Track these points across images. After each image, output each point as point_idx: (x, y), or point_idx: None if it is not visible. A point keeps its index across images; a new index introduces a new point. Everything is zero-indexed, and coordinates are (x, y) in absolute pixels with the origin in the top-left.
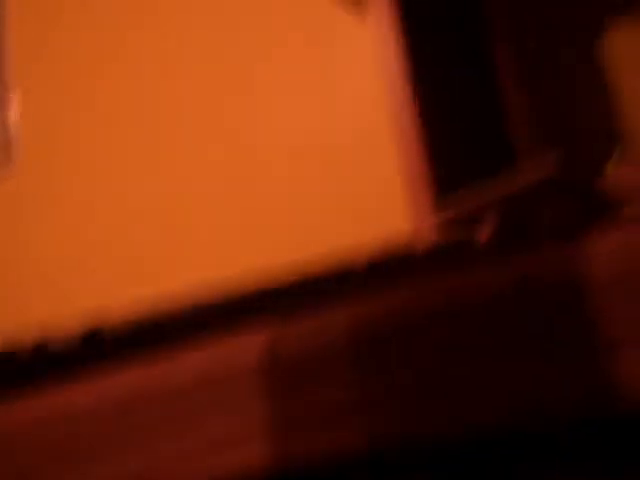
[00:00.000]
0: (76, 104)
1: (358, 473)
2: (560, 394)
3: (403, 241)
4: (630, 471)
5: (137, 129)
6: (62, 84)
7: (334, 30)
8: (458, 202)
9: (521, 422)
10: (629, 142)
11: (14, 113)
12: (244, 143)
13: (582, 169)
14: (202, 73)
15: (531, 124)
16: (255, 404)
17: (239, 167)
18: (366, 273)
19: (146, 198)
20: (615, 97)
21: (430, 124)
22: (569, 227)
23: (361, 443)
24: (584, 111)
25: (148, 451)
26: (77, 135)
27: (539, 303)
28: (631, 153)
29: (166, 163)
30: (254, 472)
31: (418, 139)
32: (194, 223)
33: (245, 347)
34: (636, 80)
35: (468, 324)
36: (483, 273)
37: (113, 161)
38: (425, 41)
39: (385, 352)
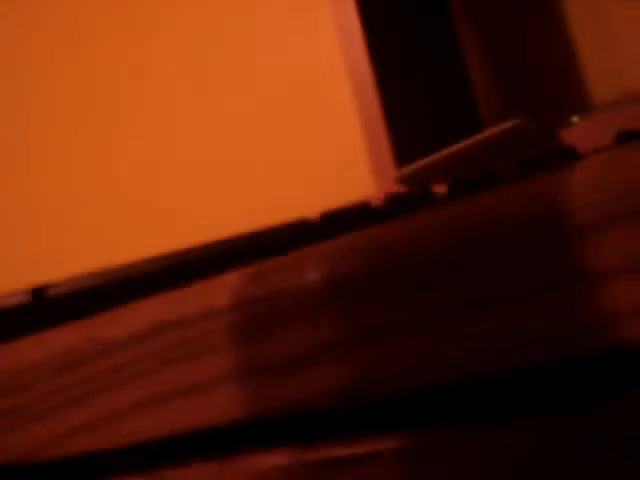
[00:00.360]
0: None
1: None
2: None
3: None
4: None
5: (120, 89)
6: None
7: None
8: (421, 161)
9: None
10: (590, 108)
11: None
12: (216, 107)
13: (544, 130)
14: (184, 29)
15: (496, 94)
16: (223, 348)
17: (211, 132)
18: (322, 222)
19: (126, 160)
20: (578, 63)
21: (391, 95)
22: (533, 170)
23: (337, 386)
24: (549, 79)
25: (104, 402)
26: (56, 94)
27: (514, 241)
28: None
29: (146, 123)
30: (221, 420)
31: (380, 110)
32: (173, 184)
33: (211, 290)
34: (598, 45)
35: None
36: (448, 214)
37: (92, 119)
38: (387, 8)
39: (354, 291)
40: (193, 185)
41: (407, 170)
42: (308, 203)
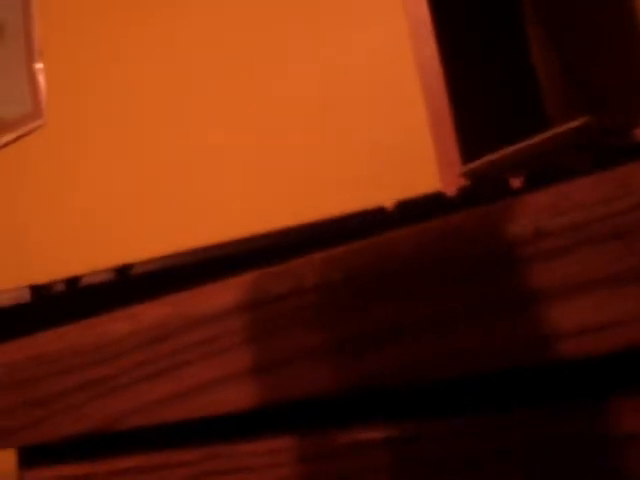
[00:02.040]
0: (101, 67)
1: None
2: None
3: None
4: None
5: (160, 88)
6: (87, 49)
7: None
8: (487, 157)
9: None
10: None
11: (41, 75)
12: (263, 98)
13: (613, 129)
14: (221, 26)
15: (563, 92)
16: (309, 324)
17: (262, 121)
18: (397, 211)
19: (170, 152)
20: None
21: (459, 90)
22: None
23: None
24: (617, 77)
25: (189, 374)
26: (103, 95)
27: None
28: None
29: (189, 119)
30: (238, 410)
31: (447, 105)
32: (217, 178)
33: (298, 269)
34: None
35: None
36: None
37: (138, 116)
38: (456, 4)
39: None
40: (260, 175)
41: (473, 165)
42: (372, 197)
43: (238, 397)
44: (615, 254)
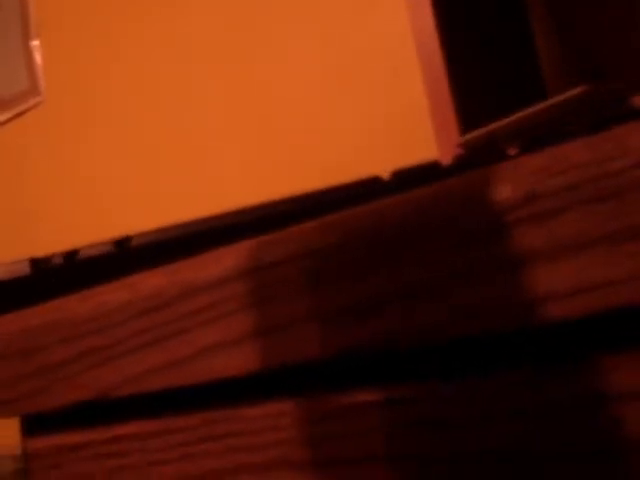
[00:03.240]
0: (99, 42)
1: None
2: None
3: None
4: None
5: (160, 63)
6: (85, 24)
7: None
8: (485, 127)
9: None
10: None
11: (38, 52)
12: (265, 73)
13: (611, 97)
14: (223, 3)
15: (561, 62)
16: (303, 291)
17: (264, 96)
18: (393, 180)
19: (170, 126)
20: None
21: (457, 61)
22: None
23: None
24: (615, 47)
25: (185, 342)
26: (102, 69)
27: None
28: None
29: (191, 92)
30: (236, 376)
31: (445, 76)
32: (218, 150)
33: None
34: None
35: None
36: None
37: (138, 91)
38: None
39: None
40: (260, 148)
41: (471, 136)
42: (371, 165)
43: (236, 363)
44: (610, 214)
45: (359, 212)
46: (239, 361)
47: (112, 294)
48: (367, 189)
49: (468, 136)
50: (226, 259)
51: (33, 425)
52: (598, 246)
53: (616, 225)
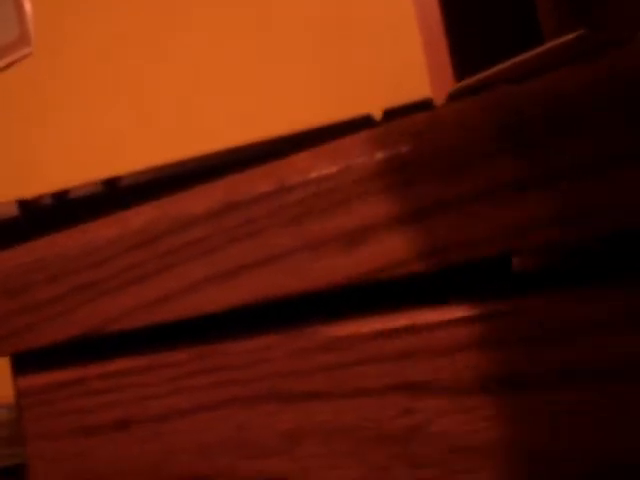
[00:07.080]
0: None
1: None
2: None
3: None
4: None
5: (152, 11)
6: None
7: None
8: (481, 73)
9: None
10: None
11: (27, 6)
12: (266, 18)
13: (609, 42)
14: None
15: (559, 8)
16: (291, 224)
17: (264, 41)
18: (385, 118)
19: (162, 72)
20: None
21: (452, 8)
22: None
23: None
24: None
25: (175, 276)
26: (93, 19)
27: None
28: None
29: (185, 34)
30: (228, 309)
31: (441, 23)
32: (222, 91)
33: (281, 170)
34: None
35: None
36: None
37: (129, 39)
38: None
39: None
40: (260, 90)
41: (466, 82)
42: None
43: (227, 296)
44: None
45: (345, 143)
46: (229, 294)
47: (102, 230)
48: (359, 127)
49: (463, 83)
50: (214, 193)
51: (24, 364)
52: None
53: None
